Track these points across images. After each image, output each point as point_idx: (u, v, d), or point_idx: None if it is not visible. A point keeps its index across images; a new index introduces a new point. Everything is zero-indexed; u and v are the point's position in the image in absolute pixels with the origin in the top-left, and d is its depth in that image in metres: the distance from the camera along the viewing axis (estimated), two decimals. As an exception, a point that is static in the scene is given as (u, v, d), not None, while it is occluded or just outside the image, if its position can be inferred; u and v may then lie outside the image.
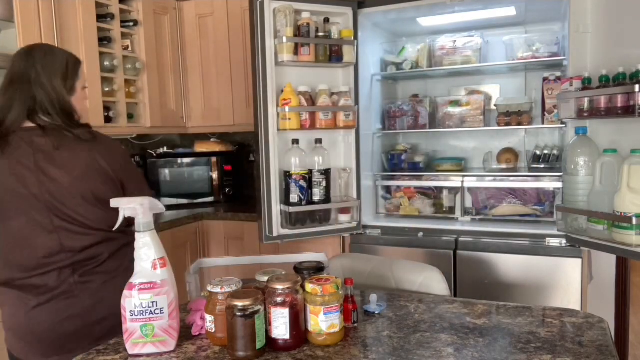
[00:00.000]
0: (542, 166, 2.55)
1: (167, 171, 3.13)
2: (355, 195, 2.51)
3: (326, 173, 2.36)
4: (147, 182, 1.63)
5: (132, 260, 1.18)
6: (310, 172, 2.34)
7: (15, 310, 1.37)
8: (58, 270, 1.36)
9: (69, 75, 1.45)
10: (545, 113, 2.56)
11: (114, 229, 1.24)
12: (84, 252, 1.38)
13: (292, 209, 2.33)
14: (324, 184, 2.35)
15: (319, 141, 2.36)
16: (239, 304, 1.07)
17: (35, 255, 1.35)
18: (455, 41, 2.75)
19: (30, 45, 1.50)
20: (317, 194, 2.35)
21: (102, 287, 1.39)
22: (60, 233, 1.36)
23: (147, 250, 1.14)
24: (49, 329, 1.34)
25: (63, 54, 1.48)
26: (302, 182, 2.32)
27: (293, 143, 2.32)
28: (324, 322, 1.13)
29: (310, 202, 2.36)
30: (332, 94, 2.44)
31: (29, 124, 1.38)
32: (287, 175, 2.33)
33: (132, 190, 1.46)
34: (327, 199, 2.38)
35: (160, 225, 2.56)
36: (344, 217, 2.49)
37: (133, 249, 1.17)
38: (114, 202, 1.19)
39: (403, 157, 2.89)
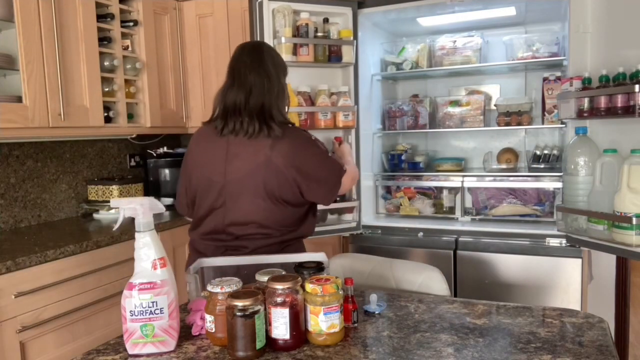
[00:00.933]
0: (542, 166, 2.55)
1: (167, 171, 3.13)
2: (355, 196, 2.51)
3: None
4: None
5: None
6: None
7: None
8: (215, 247, 1.59)
9: (284, 73, 1.73)
10: (545, 113, 2.56)
11: (114, 229, 1.25)
12: (236, 241, 1.58)
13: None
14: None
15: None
16: (239, 304, 1.07)
17: (208, 226, 1.60)
18: (455, 41, 2.75)
19: (256, 42, 1.75)
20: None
21: None
22: (232, 209, 1.59)
23: (147, 250, 1.14)
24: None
25: (279, 54, 1.75)
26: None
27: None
28: (324, 322, 1.12)
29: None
30: (332, 94, 2.44)
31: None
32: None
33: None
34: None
35: (161, 225, 2.56)
36: (344, 217, 2.49)
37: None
38: (114, 202, 1.19)
39: (403, 157, 2.89)
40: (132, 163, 3.29)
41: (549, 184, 2.48)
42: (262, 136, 1.53)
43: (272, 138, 1.53)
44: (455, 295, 2.38)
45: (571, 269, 2.22)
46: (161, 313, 1.13)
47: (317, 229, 2.40)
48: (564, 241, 2.24)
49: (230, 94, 1.58)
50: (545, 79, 2.58)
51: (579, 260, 2.21)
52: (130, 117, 2.79)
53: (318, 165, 1.58)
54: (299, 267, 1.29)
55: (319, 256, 1.38)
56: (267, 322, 1.12)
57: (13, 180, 2.52)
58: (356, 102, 2.50)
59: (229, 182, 1.56)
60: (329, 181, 1.59)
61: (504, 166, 2.75)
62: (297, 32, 2.33)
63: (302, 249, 1.69)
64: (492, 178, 2.62)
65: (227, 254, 1.57)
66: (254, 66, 1.59)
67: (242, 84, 1.57)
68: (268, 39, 2.30)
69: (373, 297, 1.34)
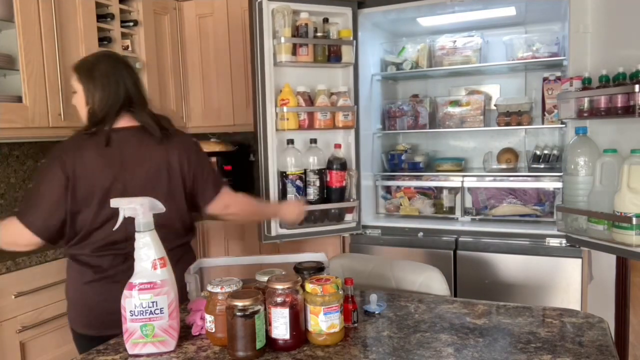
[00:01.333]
0: (542, 166, 2.55)
1: (167, 171, 3.13)
2: (355, 196, 2.51)
3: (320, 173, 2.36)
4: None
5: (185, 260, 1.47)
6: (305, 171, 2.35)
7: (73, 282, 1.54)
8: (114, 255, 1.49)
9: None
10: (545, 113, 2.56)
11: (114, 229, 1.25)
12: None
13: (291, 209, 2.33)
14: (318, 183, 2.35)
15: (313, 141, 2.36)
16: (239, 304, 1.07)
17: (103, 239, 1.48)
18: (455, 41, 2.75)
19: (114, 53, 1.71)
20: (312, 193, 2.35)
21: None
22: (127, 223, 1.42)
23: (147, 250, 1.14)
24: (93, 305, 1.50)
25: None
26: (298, 182, 2.32)
27: (288, 143, 2.32)
28: (324, 322, 1.12)
29: (307, 202, 2.36)
30: (331, 94, 2.44)
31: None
32: (283, 176, 2.33)
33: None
34: (321, 198, 2.38)
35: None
36: (344, 217, 2.49)
37: (189, 250, 1.40)
38: (114, 202, 1.19)
39: (403, 157, 2.89)
40: (132, 163, 3.29)
41: (549, 184, 2.47)
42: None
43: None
44: (455, 295, 2.38)
45: (571, 269, 2.22)
46: (161, 313, 1.13)
47: (317, 229, 2.41)
48: (564, 241, 2.24)
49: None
50: (545, 79, 2.58)
51: (579, 260, 2.21)
52: (130, 117, 2.79)
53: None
54: (299, 267, 1.29)
55: (319, 256, 1.38)
56: (267, 322, 1.12)
57: (13, 180, 2.52)
58: (356, 102, 2.50)
59: (129, 189, 1.50)
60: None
61: (504, 166, 2.75)
62: (297, 32, 2.33)
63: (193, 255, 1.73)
64: (492, 178, 2.62)
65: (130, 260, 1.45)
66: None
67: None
68: (267, 39, 2.30)
69: (373, 297, 1.34)
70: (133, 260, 1.42)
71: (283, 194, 2.35)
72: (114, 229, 1.27)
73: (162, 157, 1.55)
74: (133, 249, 1.42)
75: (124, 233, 1.40)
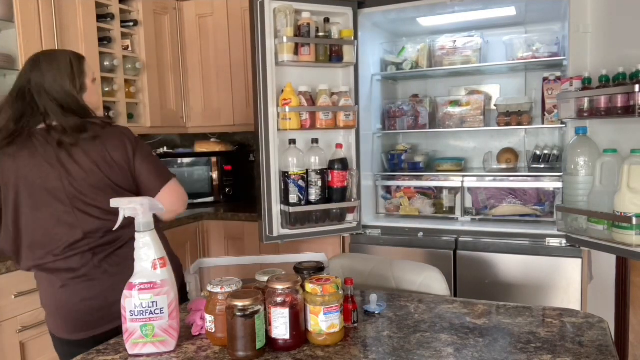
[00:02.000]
0: (542, 166, 2.55)
1: (167, 171, 3.13)
2: (356, 195, 2.51)
3: (322, 173, 2.36)
4: (161, 165, 1.63)
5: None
6: (307, 171, 2.35)
7: (45, 290, 1.50)
8: (80, 254, 1.45)
9: (76, 75, 1.54)
10: (545, 113, 2.56)
11: (113, 229, 1.25)
12: (104, 237, 1.46)
13: (291, 209, 2.33)
14: (319, 183, 2.35)
15: (315, 141, 2.36)
16: (239, 304, 1.07)
17: (60, 242, 1.44)
18: (455, 41, 2.75)
19: (33, 56, 1.58)
20: (314, 193, 2.35)
21: (119, 270, 1.45)
22: (82, 221, 1.45)
23: (147, 250, 1.14)
24: (72, 308, 1.45)
25: (65, 56, 1.56)
26: (300, 182, 2.32)
27: (290, 143, 2.32)
28: (324, 322, 1.13)
29: (309, 202, 2.36)
30: (332, 94, 2.44)
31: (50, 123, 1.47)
32: (285, 176, 2.33)
33: (145, 177, 1.55)
34: (323, 198, 2.38)
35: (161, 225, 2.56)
36: (344, 217, 2.49)
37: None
38: (114, 202, 1.19)
39: (403, 157, 2.89)
40: (132, 163, 3.29)
41: (549, 184, 2.47)
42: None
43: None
44: (455, 295, 2.38)
45: (571, 269, 2.22)
46: (161, 313, 1.13)
47: (318, 229, 2.41)
48: (564, 241, 2.24)
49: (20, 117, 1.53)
50: (545, 79, 2.58)
51: (579, 260, 2.21)
52: (130, 117, 2.79)
53: None
54: (299, 267, 1.30)
55: (319, 256, 1.38)
56: (267, 322, 1.12)
57: (13, 180, 2.52)
58: (356, 102, 2.50)
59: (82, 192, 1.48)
60: None
61: (504, 166, 2.75)
62: (299, 31, 2.33)
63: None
64: (492, 178, 2.61)
65: (100, 254, 1.50)
66: (35, 89, 1.53)
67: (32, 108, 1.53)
68: (269, 39, 2.30)
69: (373, 297, 1.34)
70: (103, 253, 1.45)
71: (285, 194, 2.35)
72: (113, 229, 1.28)
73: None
74: (98, 244, 1.45)
75: (80, 232, 1.43)
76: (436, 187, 2.76)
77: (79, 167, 1.45)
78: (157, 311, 1.12)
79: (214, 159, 3.20)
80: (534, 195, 2.58)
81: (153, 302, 1.12)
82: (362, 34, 2.57)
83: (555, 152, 2.56)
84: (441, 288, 1.55)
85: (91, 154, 1.46)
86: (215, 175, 3.20)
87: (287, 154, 2.33)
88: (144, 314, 1.12)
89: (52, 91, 1.49)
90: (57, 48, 2.27)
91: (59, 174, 1.44)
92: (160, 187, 1.55)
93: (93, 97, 1.61)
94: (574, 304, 2.21)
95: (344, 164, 2.38)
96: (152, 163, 1.59)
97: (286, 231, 2.39)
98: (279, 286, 1.11)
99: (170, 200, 1.55)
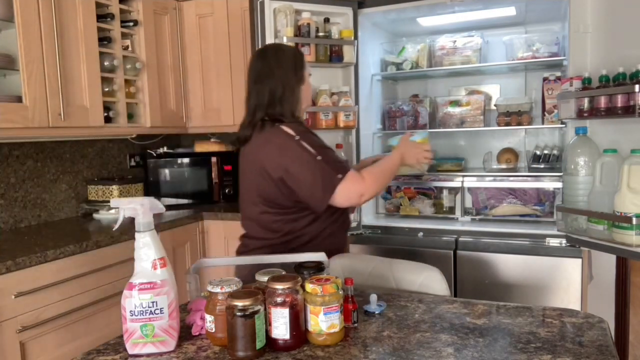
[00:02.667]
0: (542, 166, 2.55)
1: (167, 171, 3.13)
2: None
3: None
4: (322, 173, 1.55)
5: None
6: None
7: None
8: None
9: (298, 67, 1.66)
10: (545, 113, 2.56)
11: (114, 229, 1.25)
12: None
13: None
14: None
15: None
16: (239, 304, 1.06)
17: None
18: (455, 41, 2.75)
19: (263, 47, 1.75)
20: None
21: None
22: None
23: (147, 250, 1.14)
24: None
25: (290, 49, 1.72)
26: (302, 182, 2.32)
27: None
28: (324, 322, 1.12)
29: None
30: (332, 94, 2.44)
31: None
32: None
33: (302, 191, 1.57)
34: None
35: (161, 225, 2.56)
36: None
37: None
38: (114, 202, 1.19)
39: (403, 157, 2.89)
40: (132, 163, 3.29)
41: (549, 184, 2.47)
42: (253, 142, 1.62)
43: (259, 143, 1.60)
44: (455, 295, 2.38)
45: (571, 269, 2.22)
46: (161, 313, 1.13)
47: (317, 229, 2.41)
48: (564, 241, 2.24)
49: (247, 107, 1.69)
50: (545, 79, 2.58)
51: (579, 260, 2.21)
52: (130, 117, 2.79)
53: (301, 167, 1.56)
54: (299, 267, 1.29)
55: (319, 256, 1.38)
56: (267, 322, 1.12)
57: (13, 180, 2.52)
58: (356, 102, 2.50)
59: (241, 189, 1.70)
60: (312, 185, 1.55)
61: (504, 166, 2.75)
62: (299, 31, 2.33)
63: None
64: (492, 178, 2.62)
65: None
66: (259, 76, 1.64)
67: (252, 97, 1.66)
68: (269, 39, 2.30)
69: (373, 297, 1.34)
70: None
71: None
72: (113, 229, 1.29)
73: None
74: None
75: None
76: (436, 187, 2.76)
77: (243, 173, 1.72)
78: (157, 311, 1.12)
79: (213, 159, 3.20)
80: (534, 195, 2.58)
81: (153, 302, 1.12)
82: (362, 34, 2.57)
83: (555, 152, 2.56)
84: (441, 288, 1.55)
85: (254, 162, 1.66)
86: (215, 175, 3.20)
87: (287, 154, 2.33)
88: (144, 314, 1.12)
89: (282, 77, 1.63)
90: (57, 48, 2.27)
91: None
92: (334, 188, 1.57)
93: (307, 90, 1.72)
94: (574, 304, 2.21)
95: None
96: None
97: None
98: (279, 286, 1.11)
99: (343, 200, 1.61)
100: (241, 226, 1.76)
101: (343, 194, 1.55)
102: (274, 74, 1.62)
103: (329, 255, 1.41)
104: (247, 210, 1.71)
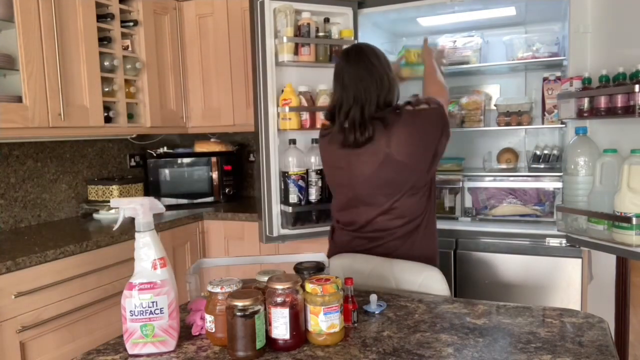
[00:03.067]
0: (542, 166, 2.55)
1: (167, 171, 3.13)
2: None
3: (322, 173, 2.36)
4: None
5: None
6: (307, 171, 2.35)
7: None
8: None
9: (388, 62, 1.74)
10: (545, 113, 2.56)
11: (114, 229, 1.25)
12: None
13: (292, 209, 2.33)
14: (319, 183, 2.35)
15: (315, 141, 2.36)
16: (239, 304, 1.07)
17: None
18: (455, 41, 2.75)
19: (354, 47, 1.77)
20: (313, 193, 2.35)
21: None
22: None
23: (147, 250, 1.14)
24: None
25: (377, 47, 1.77)
26: (300, 182, 2.32)
27: (290, 143, 2.32)
28: (324, 322, 1.13)
29: (309, 202, 2.36)
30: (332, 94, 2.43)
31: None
32: (285, 176, 2.33)
33: None
34: (323, 198, 2.38)
35: (161, 225, 2.56)
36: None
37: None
38: (114, 202, 1.19)
39: (403, 157, 2.89)
40: (132, 163, 3.30)
41: (549, 184, 2.47)
42: (377, 138, 1.61)
43: (385, 136, 1.61)
44: (455, 295, 2.38)
45: (571, 269, 2.22)
46: (161, 313, 1.13)
47: (317, 229, 2.41)
48: (564, 241, 2.24)
49: (345, 109, 1.66)
50: (545, 79, 2.58)
51: (579, 260, 2.21)
52: (130, 117, 2.79)
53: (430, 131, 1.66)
54: (299, 267, 1.29)
55: (319, 256, 1.38)
56: (267, 322, 1.12)
57: (13, 180, 2.52)
58: (356, 102, 2.49)
59: (357, 184, 1.68)
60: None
61: (504, 166, 2.75)
62: (299, 31, 2.33)
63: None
64: (492, 178, 2.61)
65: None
66: (362, 75, 1.65)
67: (355, 98, 1.64)
68: (269, 39, 2.30)
69: (373, 297, 1.34)
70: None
71: (285, 194, 2.35)
72: (113, 229, 1.29)
73: None
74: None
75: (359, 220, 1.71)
76: (436, 187, 2.76)
77: (364, 167, 1.69)
78: (157, 311, 1.12)
79: (214, 159, 3.20)
80: (534, 195, 2.58)
81: (153, 302, 1.12)
82: (362, 34, 2.57)
83: (555, 152, 2.56)
84: (441, 288, 1.55)
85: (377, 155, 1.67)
86: (215, 175, 3.20)
87: (287, 154, 2.34)
88: (144, 314, 1.12)
89: (385, 75, 1.69)
90: (57, 48, 2.27)
91: (349, 172, 1.73)
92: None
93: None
94: (574, 304, 2.21)
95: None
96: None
97: (286, 231, 2.39)
98: (279, 286, 1.11)
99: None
100: (349, 227, 1.77)
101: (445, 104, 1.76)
102: (377, 69, 1.67)
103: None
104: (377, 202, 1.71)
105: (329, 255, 1.76)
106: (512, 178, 2.57)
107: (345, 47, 1.86)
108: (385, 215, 1.67)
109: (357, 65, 1.66)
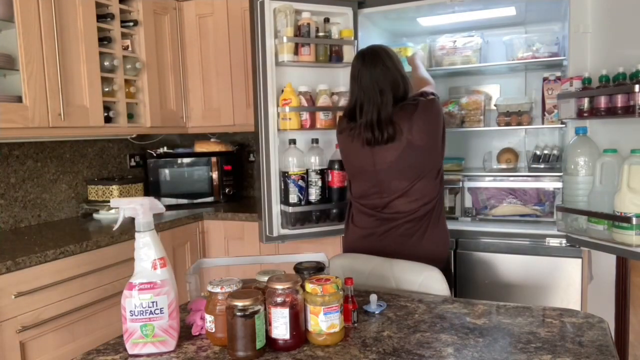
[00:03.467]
0: (542, 166, 2.55)
1: (167, 171, 3.13)
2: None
3: (322, 173, 2.36)
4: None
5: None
6: (307, 171, 2.35)
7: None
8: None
9: (400, 62, 1.90)
10: (545, 113, 2.56)
11: (114, 229, 1.25)
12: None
13: (291, 209, 2.33)
14: (319, 183, 2.35)
15: (315, 141, 2.36)
16: (239, 304, 1.07)
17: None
18: (455, 41, 2.75)
19: (370, 49, 1.91)
20: (314, 193, 2.36)
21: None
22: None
23: (147, 250, 1.14)
24: None
25: (386, 47, 1.92)
26: (300, 182, 2.32)
27: (290, 143, 2.32)
28: (324, 322, 1.13)
29: (309, 202, 2.36)
30: (332, 94, 2.44)
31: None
32: (285, 176, 2.33)
33: None
34: (323, 198, 2.38)
35: (161, 225, 2.56)
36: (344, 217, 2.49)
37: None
38: (114, 202, 1.19)
39: (403, 157, 2.89)
40: (132, 163, 3.30)
41: (549, 184, 2.47)
42: (398, 130, 1.79)
43: (407, 126, 1.78)
44: (455, 295, 2.38)
45: (571, 269, 2.22)
46: (161, 313, 1.13)
47: (317, 229, 2.41)
48: (564, 241, 2.24)
49: (365, 109, 1.82)
50: (545, 79, 2.58)
51: (579, 260, 2.21)
52: (130, 117, 2.79)
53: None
54: (299, 267, 1.30)
55: (319, 256, 1.38)
56: (267, 322, 1.12)
57: (13, 180, 2.52)
58: (356, 102, 2.49)
59: (380, 172, 1.85)
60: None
61: (504, 166, 2.75)
62: (299, 31, 2.33)
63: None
64: (492, 178, 2.61)
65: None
66: (378, 77, 1.82)
67: (372, 100, 1.81)
68: (269, 39, 2.30)
69: (373, 297, 1.34)
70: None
71: (285, 194, 2.35)
72: (113, 229, 1.29)
73: None
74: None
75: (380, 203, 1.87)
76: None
77: (387, 154, 1.86)
78: (157, 311, 1.12)
79: (214, 159, 3.20)
80: (534, 195, 2.57)
81: (153, 302, 1.12)
82: (362, 34, 2.57)
83: (555, 152, 2.56)
84: (441, 288, 1.55)
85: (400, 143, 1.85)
86: (215, 175, 3.20)
87: (287, 154, 2.34)
88: (144, 314, 1.12)
89: (397, 72, 1.88)
90: (57, 48, 2.27)
91: (372, 160, 1.88)
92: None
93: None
94: (574, 304, 2.21)
95: (343, 164, 2.39)
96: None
97: (286, 231, 2.39)
98: (279, 286, 1.11)
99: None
100: (366, 209, 1.93)
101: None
102: (390, 70, 1.84)
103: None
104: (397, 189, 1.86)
105: (347, 241, 1.99)
106: (512, 178, 2.57)
107: (361, 49, 1.98)
108: (403, 198, 1.83)
109: (374, 68, 1.82)
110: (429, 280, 1.57)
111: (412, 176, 1.82)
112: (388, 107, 1.79)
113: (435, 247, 1.85)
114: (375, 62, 1.83)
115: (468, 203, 2.68)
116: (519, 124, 2.63)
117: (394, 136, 1.78)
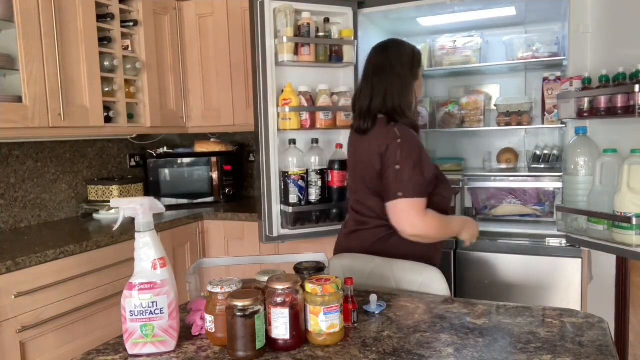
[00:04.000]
0: (542, 166, 2.55)
1: (167, 171, 3.13)
2: (355, 195, 2.51)
3: (322, 173, 2.36)
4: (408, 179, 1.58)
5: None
6: (307, 171, 2.35)
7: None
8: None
9: (415, 64, 1.74)
10: (545, 113, 2.56)
11: (114, 229, 1.25)
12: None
13: (292, 209, 2.33)
14: (319, 183, 2.35)
15: (315, 141, 2.36)
16: (239, 304, 1.07)
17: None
18: (455, 41, 2.75)
19: (385, 41, 1.81)
20: (314, 193, 2.36)
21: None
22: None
23: (147, 250, 1.14)
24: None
25: (410, 46, 1.78)
26: (300, 182, 2.32)
27: (290, 143, 2.32)
28: (324, 322, 1.13)
29: (309, 202, 2.36)
30: (332, 94, 2.44)
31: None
32: (285, 176, 2.33)
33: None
34: (323, 198, 2.38)
35: (161, 225, 2.56)
36: (345, 217, 2.49)
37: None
38: (114, 203, 1.19)
39: (403, 157, 2.89)
40: (132, 163, 3.30)
41: (549, 184, 2.47)
42: (373, 132, 1.68)
43: (377, 133, 1.66)
44: (455, 295, 2.38)
45: (571, 269, 2.22)
46: (161, 313, 1.13)
47: (317, 229, 2.41)
48: (564, 241, 2.24)
49: (360, 98, 1.74)
50: (545, 79, 2.58)
51: (579, 260, 2.21)
52: (130, 117, 2.79)
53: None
54: (299, 267, 1.29)
55: (319, 256, 1.38)
56: (267, 322, 1.12)
57: (13, 180, 2.52)
58: (356, 102, 2.50)
59: (357, 168, 1.76)
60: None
61: (504, 166, 2.75)
62: (299, 31, 2.33)
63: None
64: (492, 178, 2.62)
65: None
66: (378, 70, 1.71)
67: (369, 89, 1.71)
68: (269, 39, 2.30)
69: (373, 297, 1.34)
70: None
71: (285, 194, 2.35)
72: (113, 229, 1.29)
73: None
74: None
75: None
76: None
77: (359, 156, 1.72)
78: (157, 311, 1.12)
79: (214, 159, 3.20)
80: (534, 195, 2.58)
81: (153, 302, 1.12)
82: (362, 34, 2.57)
83: (555, 152, 2.56)
84: (441, 288, 1.55)
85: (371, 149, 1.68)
86: (215, 175, 3.20)
87: (287, 154, 2.34)
88: (144, 314, 1.12)
89: (399, 72, 1.70)
90: (57, 48, 2.27)
91: (353, 158, 1.79)
92: (389, 200, 1.60)
93: (419, 89, 1.78)
94: (574, 304, 2.21)
95: (343, 164, 2.39)
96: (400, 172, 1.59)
97: (286, 231, 2.39)
98: (279, 286, 1.11)
99: (393, 218, 1.61)
100: (350, 208, 1.84)
101: (396, 213, 1.59)
102: (394, 68, 1.69)
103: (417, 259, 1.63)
104: (358, 194, 1.79)
105: (339, 239, 1.88)
106: (512, 178, 2.57)
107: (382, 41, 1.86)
108: (376, 197, 1.69)
109: (378, 59, 1.74)
110: (429, 281, 1.57)
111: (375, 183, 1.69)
112: (377, 100, 1.67)
113: (415, 247, 1.66)
114: (382, 55, 1.75)
115: (468, 203, 2.68)
116: (519, 124, 2.63)
117: (369, 129, 1.67)
